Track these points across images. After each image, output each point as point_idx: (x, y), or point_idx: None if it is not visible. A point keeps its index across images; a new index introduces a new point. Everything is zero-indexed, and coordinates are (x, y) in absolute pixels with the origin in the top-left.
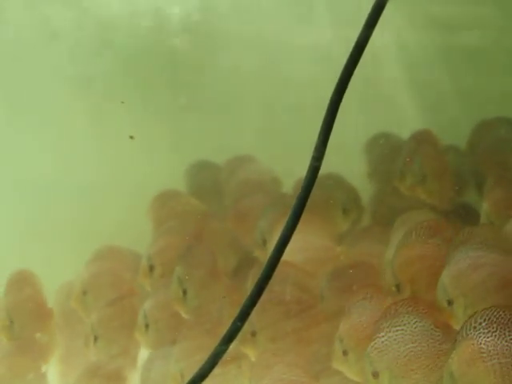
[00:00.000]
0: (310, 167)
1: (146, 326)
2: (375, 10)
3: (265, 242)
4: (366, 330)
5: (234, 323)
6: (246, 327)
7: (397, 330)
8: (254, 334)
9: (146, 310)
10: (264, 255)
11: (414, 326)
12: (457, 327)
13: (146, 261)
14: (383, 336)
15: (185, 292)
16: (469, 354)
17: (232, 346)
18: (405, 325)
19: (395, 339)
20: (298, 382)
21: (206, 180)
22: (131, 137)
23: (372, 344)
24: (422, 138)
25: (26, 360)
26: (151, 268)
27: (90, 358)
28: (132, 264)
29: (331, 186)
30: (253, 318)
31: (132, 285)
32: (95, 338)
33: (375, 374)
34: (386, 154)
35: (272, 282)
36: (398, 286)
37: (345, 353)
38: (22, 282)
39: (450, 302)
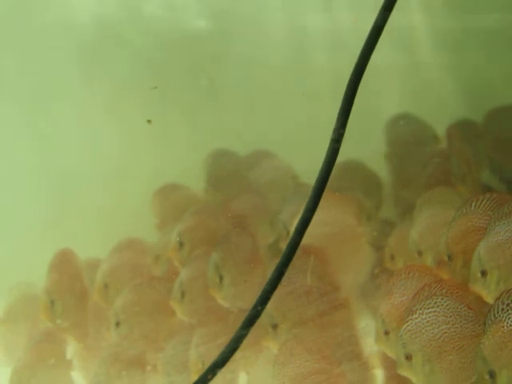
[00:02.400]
0: (329, 149)
1: (182, 294)
2: None
3: (288, 234)
4: (408, 310)
5: (254, 307)
6: (266, 320)
7: (429, 312)
8: (275, 326)
9: (182, 278)
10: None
11: (447, 307)
12: (488, 299)
13: (177, 237)
14: (416, 318)
15: (221, 278)
16: (499, 337)
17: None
18: (438, 306)
19: (428, 321)
20: (321, 367)
21: (225, 169)
22: (149, 121)
23: (404, 326)
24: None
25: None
26: (181, 245)
27: (112, 343)
28: (150, 254)
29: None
30: (272, 311)
31: (151, 271)
32: (117, 324)
33: (408, 357)
34: (405, 135)
35: (289, 270)
36: (450, 257)
37: (386, 333)
38: (64, 262)
39: (483, 273)
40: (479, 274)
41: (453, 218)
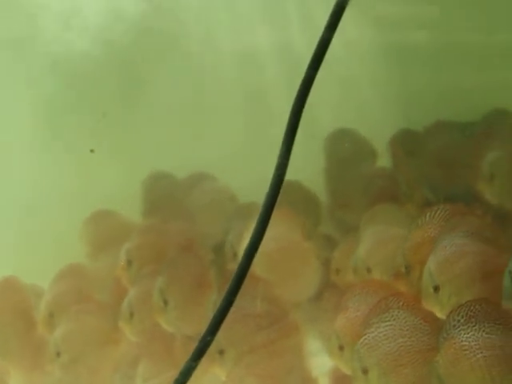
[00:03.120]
0: (274, 175)
1: (131, 314)
2: (336, 11)
3: (235, 255)
4: (363, 325)
5: (203, 338)
6: (213, 346)
7: (386, 326)
8: (221, 352)
9: (130, 298)
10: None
11: (404, 320)
12: (440, 315)
13: (125, 255)
14: (372, 332)
15: (166, 302)
16: (452, 354)
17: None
18: (394, 320)
19: (385, 334)
20: None
21: (162, 193)
22: (92, 150)
23: (361, 340)
24: None
25: None
26: (129, 263)
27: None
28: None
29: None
30: (220, 336)
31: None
32: (58, 354)
33: (365, 371)
34: (343, 150)
35: (239, 296)
36: (407, 268)
37: (341, 348)
38: (6, 290)
39: (436, 289)
40: (431, 290)
41: (409, 230)
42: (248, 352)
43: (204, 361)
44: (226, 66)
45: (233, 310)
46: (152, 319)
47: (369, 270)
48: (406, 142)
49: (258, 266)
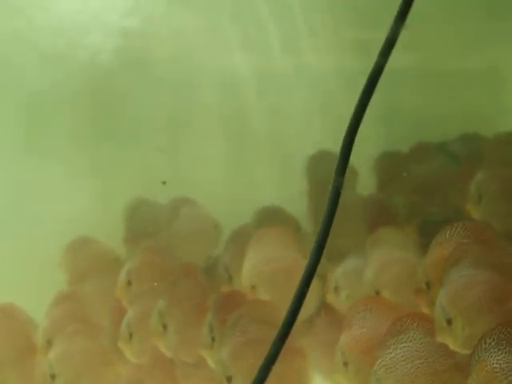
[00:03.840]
0: (332, 190)
1: (130, 335)
2: (390, 39)
3: (231, 278)
4: (367, 343)
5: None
6: (222, 371)
7: (403, 347)
8: (229, 379)
9: (129, 319)
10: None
11: (420, 342)
12: (454, 347)
13: (125, 276)
14: (390, 353)
15: (165, 326)
16: (484, 377)
17: None
18: (411, 341)
19: (402, 356)
20: None
21: (144, 220)
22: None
23: (379, 362)
24: None
25: None
26: (129, 283)
27: None
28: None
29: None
30: (228, 362)
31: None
32: (52, 376)
33: None
34: (325, 172)
35: (245, 321)
36: (428, 284)
37: (345, 364)
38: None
39: (449, 322)
40: (445, 323)
41: (430, 247)
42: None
43: None
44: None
45: (240, 335)
46: (151, 340)
47: (377, 293)
48: (391, 164)
49: (261, 286)
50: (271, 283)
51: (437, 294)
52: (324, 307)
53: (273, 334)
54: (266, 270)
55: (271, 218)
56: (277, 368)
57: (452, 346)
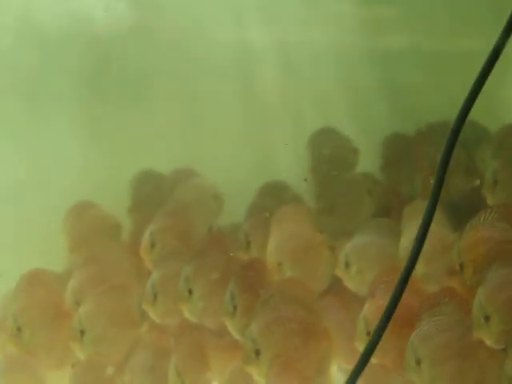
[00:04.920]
0: (434, 185)
1: (155, 296)
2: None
3: (249, 244)
4: None
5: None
6: (250, 346)
7: (437, 320)
8: (258, 352)
9: (153, 280)
10: (249, 257)
11: (451, 315)
12: (491, 343)
13: (148, 237)
14: (425, 325)
15: (190, 292)
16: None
17: None
18: (443, 314)
19: (436, 327)
20: None
21: (149, 191)
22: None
23: (415, 333)
24: None
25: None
26: (152, 245)
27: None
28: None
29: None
30: (256, 337)
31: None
32: (82, 332)
33: (418, 361)
34: (326, 148)
35: (276, 299)
36: (461, 266)
37: (368, 334)
38: (33, 284)
39: (486, 319)
40: (483, 320)
41: (465, 229)
42: (282, 354)
43: (240, 360)
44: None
45: (270, 311)
46: (176, 302)
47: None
48: (398, 145)
49: (286, 263)
50: (296, 260)
51: (469, 276)
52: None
53: (302, 313)
54: (290, 247)
55: (274, 193)
56: (299, 347)
57: (488, 342)
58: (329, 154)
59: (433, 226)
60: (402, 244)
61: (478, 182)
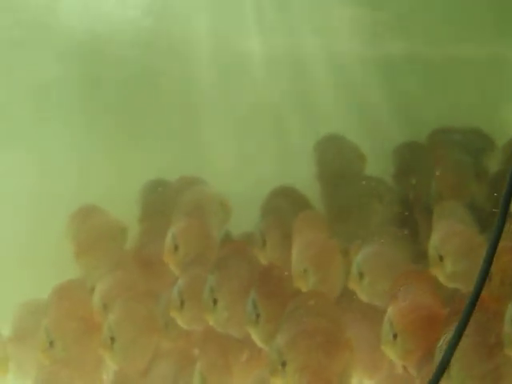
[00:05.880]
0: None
1: (182, 302)
2: None
3: (265, 243)
4: (414, 314)
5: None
6: (276, 357)
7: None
8: (284, 364)
9: (180, 286)
10: (264, 255)
11: (475, 320)
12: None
13: (171, 240)
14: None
15: (215, 302)
16: None
17: None
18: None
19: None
20: None
21: (157, 198)
22: None
23: (444, 337)
24: None
25: None
26: (176, 248)
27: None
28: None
29: None
30: (282, 348)
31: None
32: (112, 339)
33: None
34: (333, 154)
35: (301, 312)
36: (489, 276)
37: (394, 336)
38: (64, 297)
39: None
40: None
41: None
42: (307, 366)
43: (266, 371)
44: None
45: (296, 324)
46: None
47: (441, 258)
48: (410, 153)
49: (310, 269)
50: (319, 266)
51: (497, 285)
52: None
53: (326, 324)
54: (314, 253)
55: (286, 194)
56: (324, 358)
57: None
58: (335, 160)
59: (460, 225)
60: (433, 243)
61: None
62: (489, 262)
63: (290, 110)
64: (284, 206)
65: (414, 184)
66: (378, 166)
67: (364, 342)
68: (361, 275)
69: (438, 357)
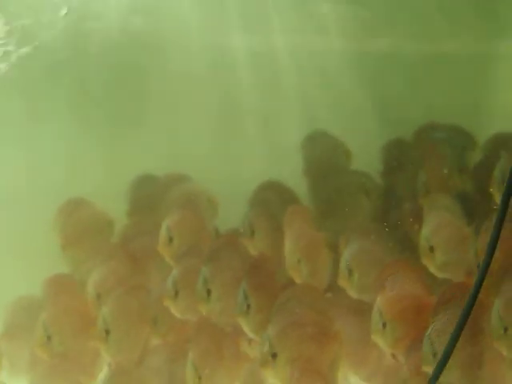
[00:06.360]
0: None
1: (176, 292)
2: None
3: (253, 233)
4: (403, 303)
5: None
6: (267, 349)
7: (451, 313)
8: (274, 355)
9: (174, 276)
10: (252, 245)
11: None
12: (508, 353)
13: (166, 232)
14: (440, 319)
15: (209, 292)
16: None
17: None
18: (457, 308)
19: (450, 321)
20: None
21: (146, 194)
22: None
23: (432, 326)
24: None
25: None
26: (170, 239)
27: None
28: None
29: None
30: (273, 340)
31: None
32: (107, 332)
33: (434, 354)
34: (321, 151)
35: (292, 304)
36: (479, 267)
37: (384, 325)
38: (60, 291)
39: (505, 330)
40: (502, 331)
41: (480, 232)
42: (298, 357)
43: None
44: None
45: (287, 316)
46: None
47: (431, 249)
48: (398, 151)
49: (303, 260)
50: (311, 257)
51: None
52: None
53: (316, 317)
54: (305, 245)
55: (273, 188)
56: (314, 350)
57: (505, 352)
58: (322, 156)
59: (450, 217)
60: (423, 234)
61: None
62: (490, 255)
63: (273, 109)
64: (272, 198)
65: (402, 179)
66: (363, 162)
67: (351, 337)
68: (350, 272)
69: (426, 345)
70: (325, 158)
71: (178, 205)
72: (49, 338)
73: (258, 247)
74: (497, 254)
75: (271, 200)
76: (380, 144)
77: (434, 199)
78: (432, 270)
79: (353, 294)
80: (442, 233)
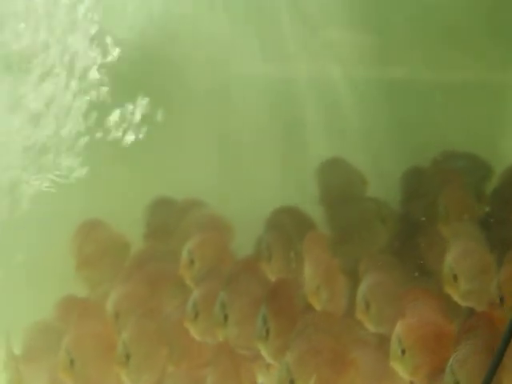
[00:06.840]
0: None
1: (196, 314)
2: None
3: (270, 256)
4: (422, 330)
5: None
6: (285, 375)
7: (472, 343)
8: (292, 382)
9: (195, 298)
10: (269, 268)
11: (485, 338)
12: None
13: (187, 255)
14: (462, 349)
15: (226, 317)
16: None
17: None
18: (479, 338)
19: (472, 351)
20: None
21: (162, 218)
22: None
23: (454, 356)
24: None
25: None
26: (191, 262)
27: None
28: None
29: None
30: (291, 366)
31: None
32: (127, 356)
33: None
34: (335, 179)
35: (310, 330)
36: (502, 298)
37: (403, 352)
38: (84, 316)
39: None
40: None
41: (504, 262)
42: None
43: None
44: None
45: (306, 342)
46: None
47: (455, 277)
48: (417, 179)
49: (322, 286)
50: (330, 283)
51: (509, 309)
52: None
53: (333, 344)
54: (324, 271)
55: (288, 211)
56: (331, 375)
57: None
58: (338, 182)
59: (474, 245)
60: (447, 262)
61: None
62: None
63: (283, 133)
64: (287, 222)
65: (420, 206)
66: (379, 190)
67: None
68: (367, 305)
69: (449, 375)
70: (340, 184)
71: (199, 228)
72: (72, 362)
73: (276, 271)
74: None
75: (287, 223)
76: (394, 170)
77: (458, 227)
78: (455, 298)
79: (370, 327)
80: (465, 261)
